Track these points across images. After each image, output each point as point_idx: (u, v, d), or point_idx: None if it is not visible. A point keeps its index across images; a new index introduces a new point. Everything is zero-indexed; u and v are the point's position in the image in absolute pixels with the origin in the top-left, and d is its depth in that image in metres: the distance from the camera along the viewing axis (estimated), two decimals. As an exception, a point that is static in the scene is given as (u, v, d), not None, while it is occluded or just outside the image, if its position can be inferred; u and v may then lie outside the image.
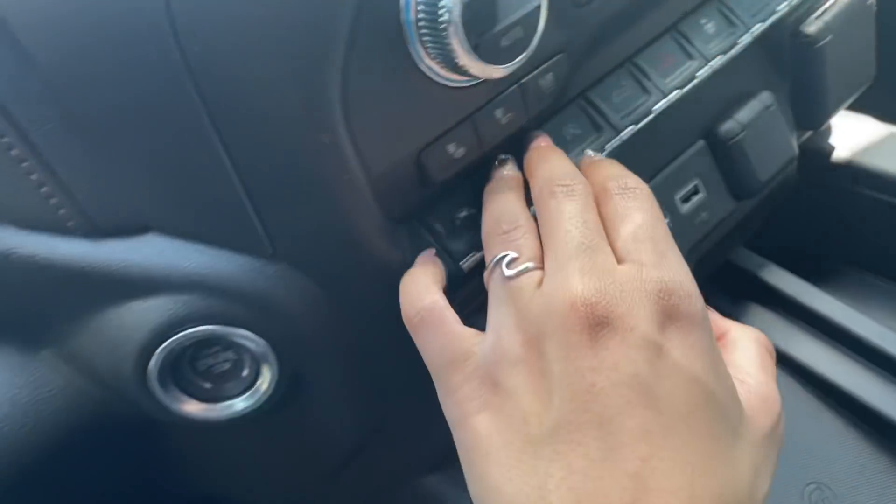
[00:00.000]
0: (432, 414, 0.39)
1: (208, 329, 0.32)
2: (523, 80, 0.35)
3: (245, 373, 0.34)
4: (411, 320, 0.31)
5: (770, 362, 0.32)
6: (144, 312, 0.32)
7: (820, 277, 0.61)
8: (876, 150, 0.60)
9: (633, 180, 0.33)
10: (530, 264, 0.30)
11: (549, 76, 0.35)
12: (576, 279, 0.28)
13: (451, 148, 0.33)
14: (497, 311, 0.30)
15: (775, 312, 0.55)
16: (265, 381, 0.34)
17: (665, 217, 0.44)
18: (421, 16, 0.29)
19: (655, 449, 0.25)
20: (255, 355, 0.34)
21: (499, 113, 0.34)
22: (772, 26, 0.46)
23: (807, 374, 0.52)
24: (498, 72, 0.30)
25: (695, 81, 0.42)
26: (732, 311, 0.55)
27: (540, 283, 0.29)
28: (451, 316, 0.31)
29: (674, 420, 0.25)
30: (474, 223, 0.36)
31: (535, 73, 0.35)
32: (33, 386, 0.35)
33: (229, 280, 0.32)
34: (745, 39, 0.44)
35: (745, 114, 0.46)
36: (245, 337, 0.33)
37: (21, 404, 0.34)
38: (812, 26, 0.49)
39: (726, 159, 0.46)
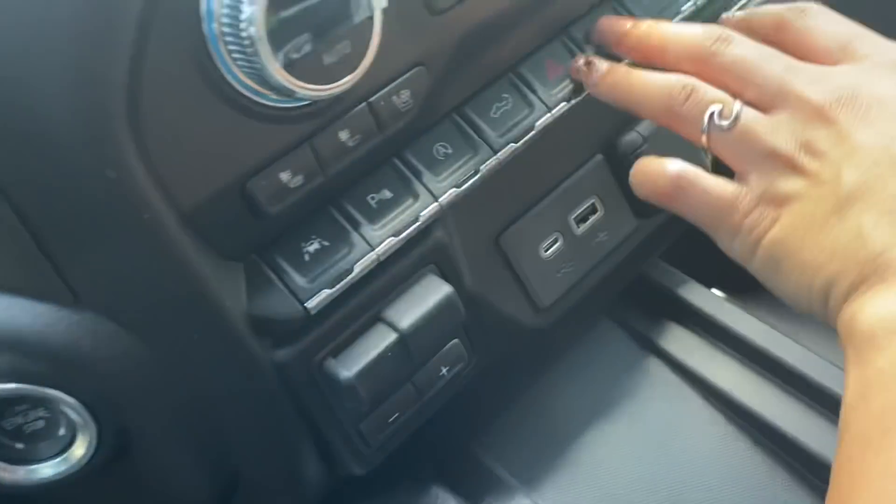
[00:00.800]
0: (296, 463, 0.36)
1: (6, 389, 0.28)
2: (372, 99, 0.31)
3: (61, 432, 0.30)
4: (665, 192, 0.34)
5: None
6: (-74, 371, 0.28)
7: (750, 294, 0.58)
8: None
9: (804, 3, 0.34)
10: (737, 104, 0.31)
11: (405, 93, 0.32)
12: (810, 90, 0.30)
13: (286, 176, 0.29)
14: (744, 156, 0.31)
15: (695, 333, 0.52)
16: (81, 446, 0.30)
17: (557, 240, 0.41)
18: (226, 29, 0.25)
19: None
20: (67, 416, 0.29)
21: (344, 135, 0.30)
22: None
23: (729, 405, 0.49)
24: (321, 93, 0.26)
25: (586, 92, 0.38)
26: (648, 328, 0.52)
27: (758, 112, 0.31)
28: (700, 171, 0.33)
29: None
30: (325, 257, 0.32)
31: (387, 89, 0.31)
32: None
33: (25, 332, 0.28)
34: (645, 45, 0.40)
35: (648, 124, 0.42)
36: (53, 396, 0.29)
37: None
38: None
39: (627, 175, 0.42)
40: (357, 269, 0.32)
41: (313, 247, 0.32)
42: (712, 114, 0.31)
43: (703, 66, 0.33)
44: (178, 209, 0.27)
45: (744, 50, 0.32)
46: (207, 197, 0.28)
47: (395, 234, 0.33)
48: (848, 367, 0.28)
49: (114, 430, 0.30)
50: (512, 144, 0.36)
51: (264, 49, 0.25)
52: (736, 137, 0.31)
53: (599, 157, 0.42)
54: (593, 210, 0.42)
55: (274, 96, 0.27)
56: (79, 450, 0.30)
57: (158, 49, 0.25)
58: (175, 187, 0.27)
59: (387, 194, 0.34)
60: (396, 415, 0.36)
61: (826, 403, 0.46)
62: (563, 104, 0.37)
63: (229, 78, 0.26)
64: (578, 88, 0.38)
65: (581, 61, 0.37)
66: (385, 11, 0.28)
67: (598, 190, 0.42)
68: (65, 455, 0.30)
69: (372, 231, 0.33)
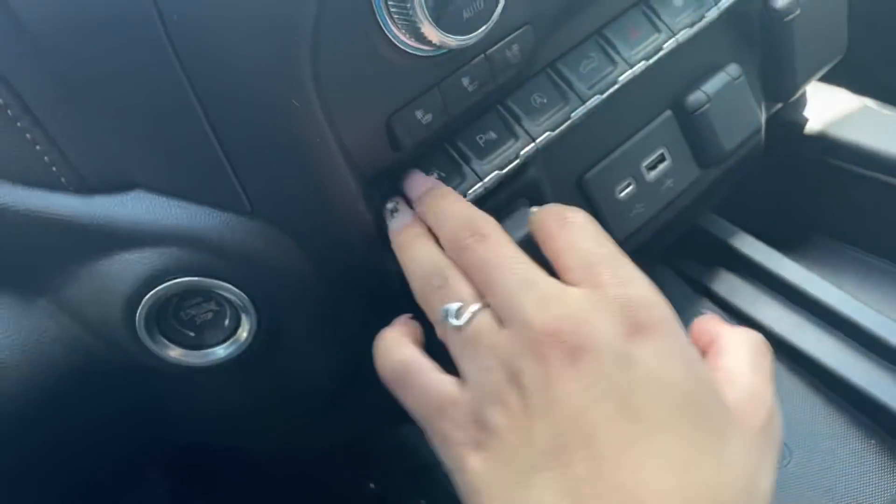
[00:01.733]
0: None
1: (190, 281, 0.35)
2: (489, 51, 0.37)
3: (226, 323, 0.37)
4: (388, 376, 0.32)
5: (763, 361, 0.31)
6: (131, 264, 0.34)
7: (791, 246, 0.63)
8: (848, 122, 0.61)
9: (571, 212, 0.33)
10: (475, 306, 0.30)
11: (515, 47, 0.37)
12: (534, 313, 0.28)
13: (419, 114, 0.35)
14: (467, 361, 0.30)
15: (743, 278, 0.57)
16: (244, 331, 0.37)
17: (630, 184, 0.46)
18: (390, -10, 0.31)
19: (641, 458, 0.25)
20: (235, 306, 0.36)
21: (465, 81, 0.36)
22: (740, 0, 0.47)
23: (772, 339, 0.54)
24: (460, 42, 0.32)
25: (661, 53, 0.43)
26: (700, 274, 0.58)
27: (493, 320, 0.30)
28: (428, 364, 0.31)
29: (655, 426, 0.26)
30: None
31: (501, 43, 0.37)
32: (30, 331, 0.37)
33: (210, 235, 0.34)
34: (713, 14, 0.45)
35: (711, 85, 0.48)
36: (225, 289, 0.35)
37: (19, 349, 0.37)
38: (781, 0, 0.50)
39: (692, 129, 0.48)
40: (469, 196, 0.38)
41: (433, 176, 0.38)
42: (447, 311, 0.30)
43: (457, 258, 0.32)
44: (339, 138, 0.33)
45: (490, 253, 0.31)
46: (361, 130, 0.34)
47: (500, 169, 0.39)
48: None
49: (269, 318, 0.37)
50: (598, 96, 0.41)
51: (420, 4, 0.31)
52: (465, 340, 0.30)
53: (668, 112, 0.47)
54: (662, 159, 0.47)
55: (420, 46, 0.33)
56: (243, 334, 0.37)
57: (335, 10, 0.31)
58: (339, 119, 0.33)
59: (492, 135, 0.40)
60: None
61: (861, 339, 0.52)
62: (642, 62, 0.43)
63: (385, 30, 0.32)
64: (654, 50, 0.43)
65: (390, 205, 0.36)
66: (506, -24, 0.34)
67: (667, 141, 0.47)
68: (233, 338, 0.37)
69: (480, 165, 0.39)
